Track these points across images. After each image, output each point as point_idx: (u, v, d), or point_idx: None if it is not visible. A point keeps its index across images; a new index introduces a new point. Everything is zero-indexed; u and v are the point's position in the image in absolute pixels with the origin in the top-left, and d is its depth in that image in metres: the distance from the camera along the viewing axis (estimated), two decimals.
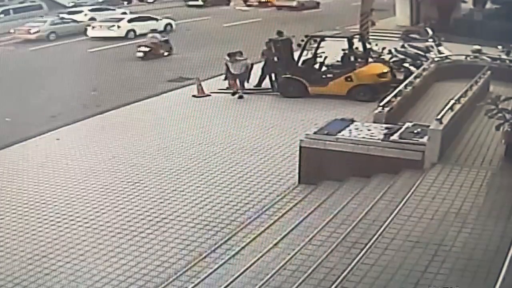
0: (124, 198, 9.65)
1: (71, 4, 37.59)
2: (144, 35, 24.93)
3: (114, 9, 34.15)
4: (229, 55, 16.11)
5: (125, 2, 42.12)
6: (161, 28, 28.38)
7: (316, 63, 16.15)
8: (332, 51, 16.40)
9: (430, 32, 22.09)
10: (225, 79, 16.47)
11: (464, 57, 16.36)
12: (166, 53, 22.83)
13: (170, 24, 29.66)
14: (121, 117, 14.76)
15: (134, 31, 27.63)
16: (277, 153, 11.45)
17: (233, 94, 16.02)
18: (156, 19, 29.30)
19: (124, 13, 32.23)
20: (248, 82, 16.13)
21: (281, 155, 11.32)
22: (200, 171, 10.70)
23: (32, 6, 35.93)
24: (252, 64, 16.28)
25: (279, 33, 16.53)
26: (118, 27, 27.65)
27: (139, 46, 22.51)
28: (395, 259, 6.38)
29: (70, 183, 10.46)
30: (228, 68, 16.17)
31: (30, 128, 13.78)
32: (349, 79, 15.26)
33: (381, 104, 11.51)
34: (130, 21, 28.48)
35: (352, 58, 15.90)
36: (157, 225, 8.60)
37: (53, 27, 28.66)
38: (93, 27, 28.19)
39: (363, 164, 9.17)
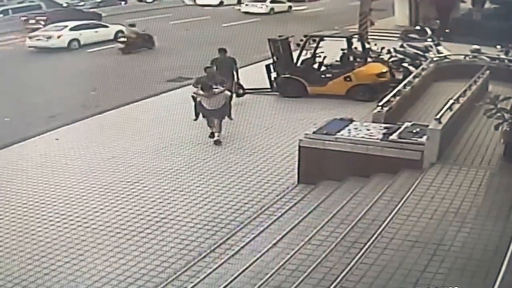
0: (124, 198, 9.65)
1: (65, 5, 37.52)
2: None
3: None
4: (198, 82, 12.47)
5: (123, 3, 42.10)
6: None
7: (315, 63, 16.16)
8: (331, 51, 16.40)
9: (429, 32, 22.15)
10: (196, 117, 12.36)
11: (463, 57, 16.38)
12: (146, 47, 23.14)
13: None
14: (120, 117, 14.76)
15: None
16: (276, 153, 11.45)
17: (212, 136, 12.16)
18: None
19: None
20: (230, 118, 12.34)
21: (280, 155, 11.33)
22: (200, 171, 10.70)
23: (31, 6, 35.90)
24: (231, 96, 12.68)
25: (221, 50, 14.72)
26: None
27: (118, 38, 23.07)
28: (394, 258, 6.39)
29: (69, 183, 10.46)
30: (199, 103, 12.05)
31: (29, 128, 13.79)
32: (348, 79, 15.27)
33: (380, 104, 11.53)
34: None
35: (351, 58, 15.92)
36: (156, 225, 8.61)
37: None
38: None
39: (362, 163, 9.18)
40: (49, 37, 24.53)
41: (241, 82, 15.12)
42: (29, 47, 24.78)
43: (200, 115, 12.27)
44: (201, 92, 11.98)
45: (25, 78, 19.29)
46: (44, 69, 21.64)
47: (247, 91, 15.87)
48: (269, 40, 16.06)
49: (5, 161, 11.91)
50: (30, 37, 25.09)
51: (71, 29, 25.26)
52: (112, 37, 25.60)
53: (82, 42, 24.93)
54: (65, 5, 36.39)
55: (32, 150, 12.59)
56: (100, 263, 7.59)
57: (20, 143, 12.99)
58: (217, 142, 11.93)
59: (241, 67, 18.08)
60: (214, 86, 11.99)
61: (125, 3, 42.12)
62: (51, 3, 36.37)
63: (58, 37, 24.70)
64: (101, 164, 11.35)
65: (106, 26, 26.85)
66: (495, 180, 8.41)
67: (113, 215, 9.01)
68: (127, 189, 10.03)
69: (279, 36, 16.20)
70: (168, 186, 10.04)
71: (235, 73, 14.78)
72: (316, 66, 16.15)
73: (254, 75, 16.54)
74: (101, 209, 9.26)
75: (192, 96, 12.33)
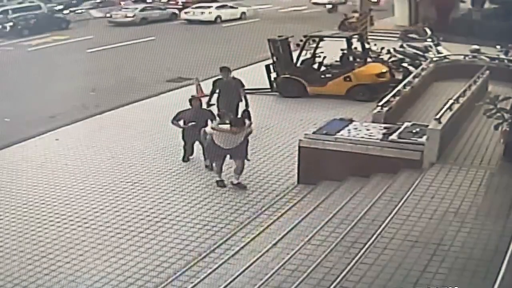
0: (124, 198, 9.65)
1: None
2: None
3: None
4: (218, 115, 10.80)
5: (122, 3, 42.08)
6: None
7: (315, 63, 16.18)
8: (331, 51, 16.41)
9: (429, 32, 22.15)
10: (187, 158, 11.07)
11: (462, 57, 16.39)
12: None
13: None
14: (120, 117, 14.76)
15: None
16: (276, 153, 11.46)
17: (219, 183, 9.89)
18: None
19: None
20: (247, 158, 9.92)
21: (280, 155, 11.33)
22: (199, 171, 10.70)
23: (31, 7, 35.91)
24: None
25: (224, 69, 12.12)
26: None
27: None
28: (394, 258, 6.39)
29: (69, 183, 10.46)
30: (212, 142, 9.62)
31: (29, 128, 13.79)
32: (348, 79, 15.28)
33: (380, 104, 11.53)
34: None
35: (351, 58, 15.93)
36: (156, 225, 8.61)
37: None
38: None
39: (362, 164, 9.18)
40: (202, 13, 33.12)
41: (250, 109, 11.91)
42: (184, 19, 33.65)
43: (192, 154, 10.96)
44: (224, 127, 9.53)
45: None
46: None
47: (247, 91, 15.89)
48: (269, 40, 16.07)
49: (5, 162, 11.92)
50: (185, 12, 34.19)
51: (216, 8, 34.09)
52: (238, 16, 34.27)
53: (222, 18, 33.45)
54: None
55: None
56: (100, 263, 7.59)
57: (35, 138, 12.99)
58: (242, 186, 9.74)
59: (240, 67, 18.20)
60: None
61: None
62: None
63: (209, 13, 33.27)
64: (101, 164, 11.35)
65: (236, 8, 35.02)
66: (495, 180, 8.41)
67: (113, 215, 9.02)
68: (127, 189, 10.03)
69: (279, 36, 16.21)
70: (168, 187, 10.04)
71: (243, 98, 11.99)
72: (316, 66, 16.17)
73: (253, 75, 16.55)
74: (101, 209, 9.26)
75: (202, 132, 10.01)
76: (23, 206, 9.58)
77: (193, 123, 10.43)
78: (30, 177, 10.92)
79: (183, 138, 10.91)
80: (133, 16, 33.57)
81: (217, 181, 9.94)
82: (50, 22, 32.02)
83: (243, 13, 34.40)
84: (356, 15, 26.42)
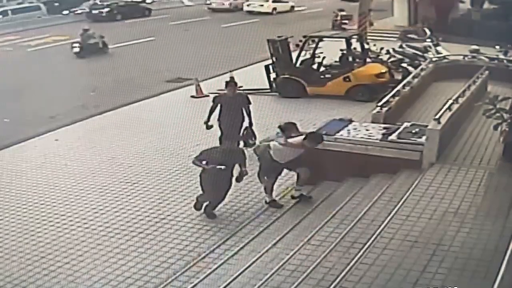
0: (123, 198, 9.65)
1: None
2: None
3: None
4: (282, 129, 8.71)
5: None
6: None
7: (314, 63, 16.18)
8: (330, 51, 16.41)
9: (428, 32, 22.14)
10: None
11: (462, 57, 16.40)
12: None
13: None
14: (119, 117, 14.76)
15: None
16: None
17: (273, 204, 8.90)
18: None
19: None
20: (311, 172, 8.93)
21: None
22: (199, 171, 10.66)
23: (31, 7, 35.93)
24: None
25: (230, 84, 10.84)
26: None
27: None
28: (393, 258, 6.39)
29: (69, 183, 10.46)
30: (270, 158, 8.66)
31: (28, 128, 13.79)
32: (347, 79, 15.29)
33: (379, 104, 11.52)
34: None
35: (350, 59, 15.93)
36: (156, 225, 8.61)
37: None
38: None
39: (361, 164, 9.18)
40: (261, 5, 37.15)
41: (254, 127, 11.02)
42: (246, 11, 37.26)
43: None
44: (296, 141, 8.40)
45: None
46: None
47: (246, 91, 15.88)
48: (268, 40, 16.06)
49: (4, 162, 11.92)
50: (248, 5, 37.80)
51: (273, 1, 37.71)
52: (288, 9, 38.03)
53: (277, 10, 37.18)
54: None
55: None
56: (100, 264, 7.59)
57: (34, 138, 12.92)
58: (307, 198, 8.95)
59: (240, 68, 18.22)
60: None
61: None
62: (50, 4, 36.44)
63: (267, 6, 37.08)
64: (100, 165, 11.35)
65: (287, 1, 38.57)
66: (494, 180, 8.42)
67: (112, 215, 9.02)
68: (127, 189, 10.03)
69: (278, 36, 16.21)
70: (168, 187, 10.04)
71: (246, 116, 10.82)
72: (315, 66, 16.16)
73: (253, 75, 16.56)
74: (101, 209, 9.26)
75: (266, 148, 8.74)
76: (23, 206, 9.58)
77: (222, 166, 8.43)
78: (29, 177, 10.92)
79: (201, 183, 8.74)
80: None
81: (269, 202, 8.80)
82: (136, 10, 36.46)
83: (292, 6, 38.27)
84: (343, 13, 28.29)
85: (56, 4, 37.40)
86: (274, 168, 8.77)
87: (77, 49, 23.40)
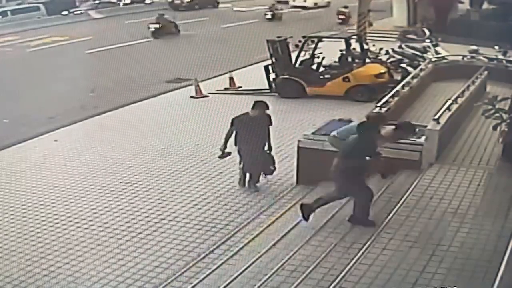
0: (123, 199, 9.65)
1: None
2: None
3: None
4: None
5: (121, 4, 42.12)
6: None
7: (313, 63, 16.19)
8: (329, 51, 16.42)
9: (428, 32, 22.17)
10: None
11: (461, 57, 16.41)
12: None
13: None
14: (119, 118, 14.76)
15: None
16: (275, 153, 11.42)
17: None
18: None
19: None
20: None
21: (279, 155, 11.27)
22: (198, 171, 10.71)
23: (30, 8, 35.92)
24: None
25: (259, 105, 9.37)
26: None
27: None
28: (393, 259, 6.40)
29: (68, 184, 10.46)
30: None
31: (28, 129, 13.79)
32: (346, 79, 15.31)
33: (379, 104, 11.53)
34: None
35: (349, 59, 15.94)
36: (155, 226, 8.61)
37: None
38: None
39: None
40: (305, 0, 39.82)
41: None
42: (291, 6, 39.51)
43: None
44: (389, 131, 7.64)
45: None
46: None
47: (246, 92, 15.91)
48: (267, 41, 16.08)
49: (4, 162, 11.91)
50: (293, 0, 40.60)
51: None
52: (325, 4, 40.25)
53: (318, 5, 39.72)
54: None
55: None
56: (100, 264, 7.59)
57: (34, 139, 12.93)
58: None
59: (240, 68, 18.26)
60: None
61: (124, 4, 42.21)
62: (49, 5, 36.41)
63: (309, 1, 39.99)
64: (100, 165, 11.35)
65: None
66: (494, 180, 8.43)
67: (112, 216, 9.02)
68: (126, 190, 10.03)
69: (278, 37, 16.22)
70: (167, 187, 10.04)
71: (268, 138, 9.52)
72: (314, 67, 16.18)
73: (252, 76, 16.57)
74: (100, 210, 9.26)
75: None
76: (22, 207, 9.58)
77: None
78: (29, 178, 10.92)
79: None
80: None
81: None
82: (208, 1, 41.03)
83: (328, 2, 40.63)
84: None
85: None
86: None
87: (153, 29, 27.86)
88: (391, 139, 7.71)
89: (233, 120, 9.29)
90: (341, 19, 30.99)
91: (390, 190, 8.35)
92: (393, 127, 7.64)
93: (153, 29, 27.88)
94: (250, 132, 9.11)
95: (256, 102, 9.46)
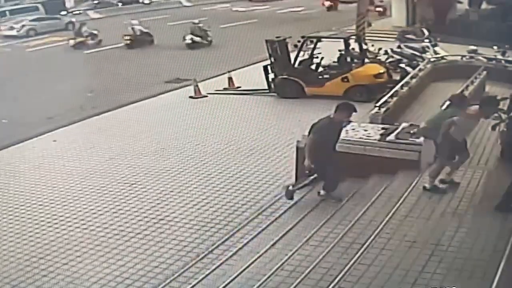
0: (121, 199, 9.65)
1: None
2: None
3: None
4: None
5: (120, 4, 42.10)
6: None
7: (312, 63, 16.19)
8: (328, 52, 16.41)
9: (426, 32, 22.18)
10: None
11: (460, 57, 16.42)
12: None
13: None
14: (118, 118, 14.76)
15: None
16: (274, 153, 11.46)
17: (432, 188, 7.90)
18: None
19: None
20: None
21: (278, 155, 11.33)
22: (197, 172, 10.70)
23: (29, 8, 35.89)
24: None
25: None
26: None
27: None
28: (392, 259, 6.39)
29: (67, 184, 10.46)
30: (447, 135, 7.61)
31: (27, 129, 13.78)
32: (345, 79, 15.31)
33: (378, 104, 11.54)
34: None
35: (348, 59, 15.94)
36: (154, 226, 8.60)
37: None
38: None
39: (359, 164, 9.17)
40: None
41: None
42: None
43: None
44: (471, 111, 7.57)
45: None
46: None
47: (246, 92, 15.90)
48: (266, 41, 16.08)
49: (2, 163, 11.90)
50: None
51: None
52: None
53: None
54: None
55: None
56: (98, 265, 7.58)
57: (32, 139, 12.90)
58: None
59: (239, 68, 18.27)
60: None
61: (123, 4, 42.16)
62: (49, 5, 36.39)
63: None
64: (98, 166, 11.34)
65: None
66: (493, 180, 8.41)
67: (110, 216, 9.01)
68: (125, 190, 10.02)
69: (277, 37, 16.22)
70: (166, 188, 10.04)
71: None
72: (313, 67, 16.18)
73: (252, 76, 16.57)
74: (99, 210, 9.25)
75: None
76: (21, 207, 9.57)
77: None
78: (27, 178, 10.91)
79: None
80: None
81: (429, 189, 7.86)
82: None
83: None
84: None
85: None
86: (456, 148, 7.76)
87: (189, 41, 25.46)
88: (479, 117, 7.70)
89: (313, 125, 8.20)
90: (378, 11, 31.85)
91: (389, 190, 8.34)
92: (477, 106, 7.55)
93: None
94: (327, 139, 8.14)
95: (340, 104, 8.27)
